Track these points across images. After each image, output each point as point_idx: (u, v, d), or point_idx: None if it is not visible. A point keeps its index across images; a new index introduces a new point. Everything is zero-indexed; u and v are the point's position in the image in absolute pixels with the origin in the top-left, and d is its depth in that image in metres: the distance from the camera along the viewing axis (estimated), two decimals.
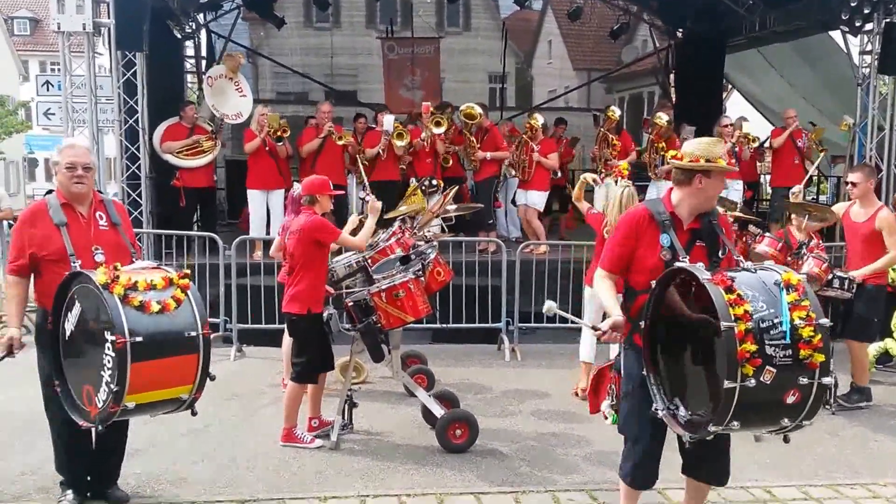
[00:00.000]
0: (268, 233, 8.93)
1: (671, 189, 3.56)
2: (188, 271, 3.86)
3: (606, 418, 3.69)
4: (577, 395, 6.43)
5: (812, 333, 2.96)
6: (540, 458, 5.16)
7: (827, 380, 3.01)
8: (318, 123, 9.42)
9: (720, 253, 3.46)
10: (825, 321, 3.02)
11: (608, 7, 14.61)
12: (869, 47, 9.72)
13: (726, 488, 4.58)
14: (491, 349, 8.04)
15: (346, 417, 5.54)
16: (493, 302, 8.07)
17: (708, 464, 3.58)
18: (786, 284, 3.06)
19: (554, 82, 16.94)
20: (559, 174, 10.53)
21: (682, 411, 3.24)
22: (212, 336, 3.95)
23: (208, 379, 3.75)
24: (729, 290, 3.00)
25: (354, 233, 5.56)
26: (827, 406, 6.06)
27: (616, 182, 6.33)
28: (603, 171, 9.73)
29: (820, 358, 2.97)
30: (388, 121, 9.34)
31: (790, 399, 3.00)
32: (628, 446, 3.60)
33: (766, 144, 10.27)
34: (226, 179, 12.36)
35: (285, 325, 5.61)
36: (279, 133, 9.08)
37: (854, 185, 6.15)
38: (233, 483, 4.73)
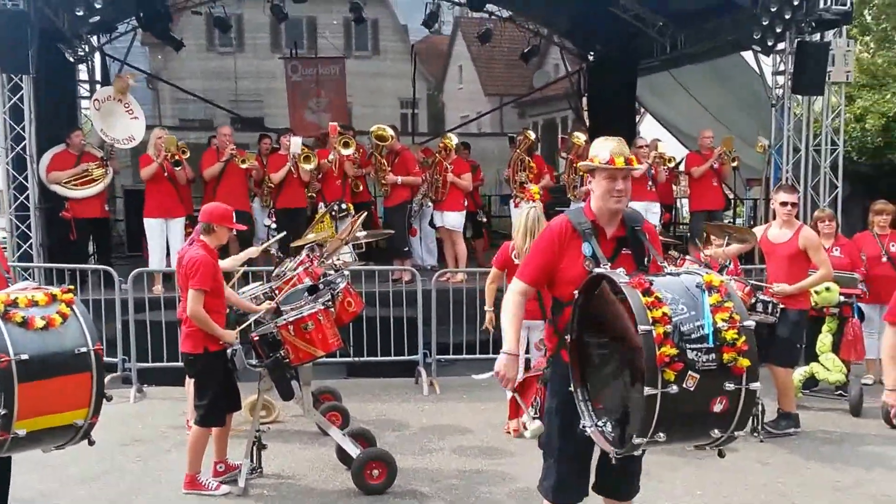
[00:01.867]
0: (168, 264, 8.42)
1: (590, 198, 3.51)
2: (72, 286, 3.63)
3: (526, 430, 3.44)
4: (508, 433, 6.16)
5: (736, 336, 2.86)
6: (463, 498, 4.92)
7: (755, 385, 2.90)
8: (219, 147, 8.95)
9: (646, 260, 3.39)
10: (750, 323, 2.92)
11: (519, 30, 14.66)
12: (782, 67, 9.92)
13: None
14: (408, 383, 7.70)
15: (254, 460, 5.21)
16: (410, 333, 7.73)
17: (620, 482, 3.49)
18: (707, 286, 2.98)
19: (466, 107, 16.94)
20: (467, 202, 10.30)
21: (608, 427, 3.11)
22: (109, 377, 3.57)
23: (104, 401, 3.50)
24: (646, 292, 2.90)
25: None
26: (755, 433, 5.98)
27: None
28: (519, 195, 9.60)
29: (745, 362, 2.86)
30: (294, 143, 8.94)
31: (717, 407, 2.88)
32: (549, 463, 3.49)
33: (682, 168, 10.36)
34: (125, 210, 11.83)
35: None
36: (177, 156, 8.51)
37: (794, 205, 6.15)
38: None
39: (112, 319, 7.42)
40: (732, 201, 12.20)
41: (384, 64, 15.86)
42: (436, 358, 7.68)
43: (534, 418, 3.52)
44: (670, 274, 3.10)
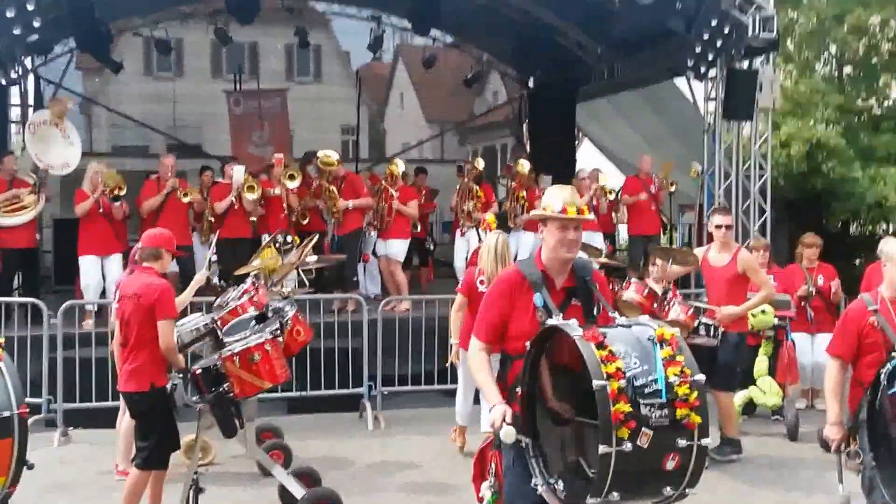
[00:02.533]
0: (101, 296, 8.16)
1: (541, 248, 3.44)
2: (2, 340, 3.46)
3: (482, 501, 3.40)
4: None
5: (688, 391, 2.83)
6: None
7: (706, 441, 2.87)
8: (161, 178, 8.69)
9: (595, 311, 3.34)
10: (700, 377, 2.89)
11: (461, 56, 14.76)
12: (713, 94, 10.25)
13: None
14: (352, 417, 7.51)
15: None
16: (354, 365, 7.56)
17: None
18: (659, 339, 2.93)
19: (407, 134, 16.96)
20: (418, 227, 10.28)
21: (560, 485, 3.02)
22: (32, 420, 3.37)
23: (25, 468, 3.33)
24: (601, 346, 2.84)
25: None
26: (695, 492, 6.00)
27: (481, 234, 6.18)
28: (465, 224, 9.60)
29: (697, 419, 2.83)
30: (237, 171, 8.73)
31: (670, 465, 2.82)
32: None
33: (619, 195, 10.57)
34: (53, 240, 11.29)
35: (121, 405, 5.00)
36: (116, 192, 8.24)
37: (728, 227, 6.23)
38: None
39: (38, 357, 7.04)
40: (668, 227, 12.50)
41: (327, 90, 15.78)
42: (381, 390, 7.53)
43: (490, 488, 3.41)
44: (622, 325, 3.06)
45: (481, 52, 14.56)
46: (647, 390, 2.79)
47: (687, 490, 2.89)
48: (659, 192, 10.18)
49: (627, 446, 2.70)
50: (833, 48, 16.18)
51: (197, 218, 9.08)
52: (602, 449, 2.69)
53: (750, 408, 7.26)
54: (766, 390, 6.96)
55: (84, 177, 8.39)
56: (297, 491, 4.83)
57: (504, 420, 3.02)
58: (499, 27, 12.49)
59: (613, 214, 10.66)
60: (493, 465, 3.41)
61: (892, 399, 3.58)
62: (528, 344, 3.14)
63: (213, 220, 8.96)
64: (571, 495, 2.96)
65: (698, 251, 6.63)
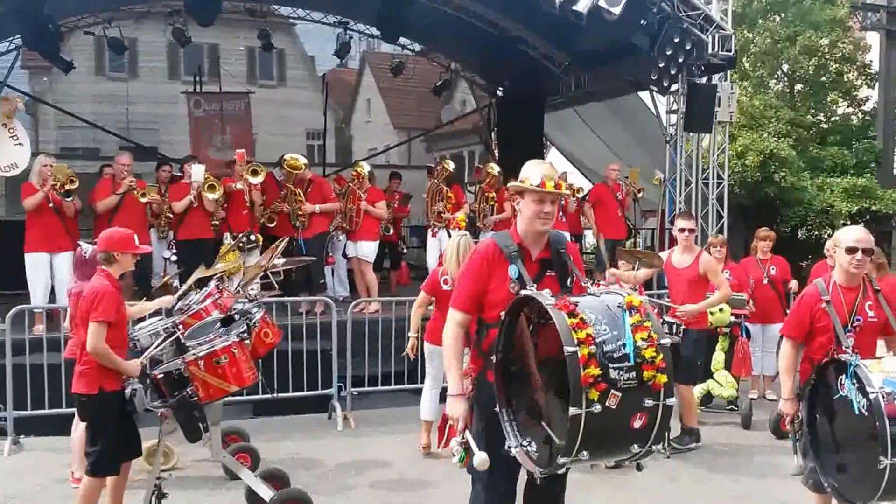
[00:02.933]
0: (53, 301, 7.80)
1: (516, 220, 3.55)
2: None
3: (454, 455, 3.40)
4: (422, 451, 6.22)
5: (654, 354, 2.94)
6: None
7: (671, 400, 2.98)
8: (116, 176, 8.39)
9: (569, 282, 3.43)
10: (666, 341, 3.01)
11: (430, 64, 14.77)
12: (675, 106, 10.59)
13: None
14: (321, 418, 7.38)
15: None
16: (323, 366, 7.43)
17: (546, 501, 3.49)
18: (628, 306, 3.04)
19: (374, 139, 16.87)
20: (391, 230, 10.20)
21: (533, 447, 3.11)
22: None
23: None
24: (572, 314, 2.94)
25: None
26: (662, 450, 6.09)
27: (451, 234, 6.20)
28: (436, 224, 9.57)
29: (663, 378, 2.94)
30: (196, 171, 8.50)
31: (637, 423, 2.94)
32: (477, 488, 3.44)
33: (587, 199, 10.71)
34: None
35: (75, 409, 4.74)
36: (67, 187, 7.92)
37: (691, 231, 6.48)
38: None
39: None
40: (632, 231, 12.72)
41: (290, 93, 15.59)
42: (351, 391, 7.42)
43: (461, 444, 3.39)
44: (592, 295, 3.15)
45: (449, 61, 14.60)
46: (615, 355, 2.90)
47: (653, 447, 2.99)
48: (626, 198, 10.41)
49: (597, 408, 2.81)
50: (785, 67, 16.78)
51: (155, 215, 8.82)
52: (572, 411, 2.78)
53: (706, 399, 7.56)
54: (722, 383, 7.32)
55: (32, 169, 8.00)
56: (266, 493, 4.69)
57: (463, 427, 3.22)
58: (467, 37, 12.57)
59: (582, 219, 10.78)
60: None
61: (834, 384, 3.80)
62: (502, 314, 3.23)
63: (171, 216, 8.71)
64: (544, 456, 3.05)
65: (663, 254, 6.86)
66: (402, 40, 13.78)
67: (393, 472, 5.89)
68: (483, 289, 3.40)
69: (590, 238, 10.83)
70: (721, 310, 6.82)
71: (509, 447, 3.17)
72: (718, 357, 7.34)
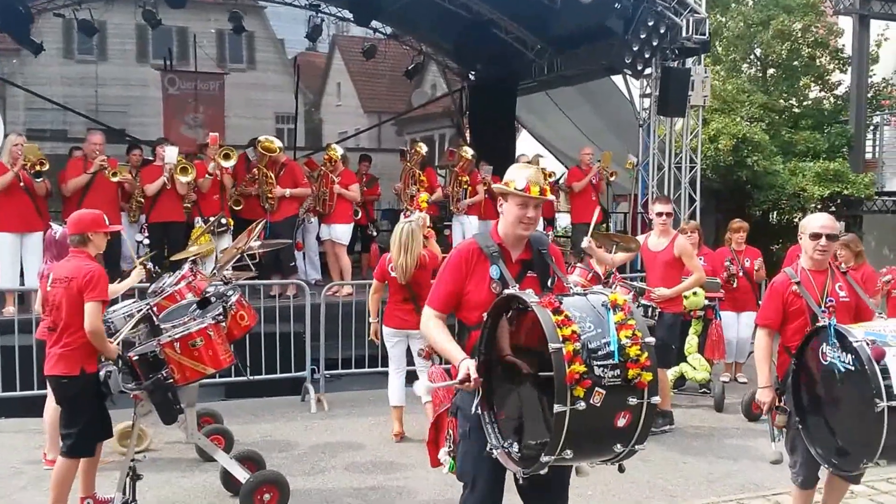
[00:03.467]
0: (22, 283, 7.70)
1: (497, 221, 3.49)
2: None
3: (444, 466, 3.39)
4: (395, 439, 6.24)
5: (639, 352, 2.91)
6: None
7: (655, 399, 2.95)
8: (87, 156, 8.28)
9: (550, 283, 3.39)
10: (651, 339, 2.98)
11: (401, 47, 14.69)
12: (648, 91, 10.62)
13: None
14: (294, 401, 7.41)
15: (127, 493, 4.69)
16: (296, 349, 7.46)
17: (549, 499, 3.42)
18: (612, 305, 3.02)
19: (344, 123, 16.75)
20: (359, 214, 10.19)
21: (515, 448, 3.07)
22: None
23: None
24: (556, 311, 2.91)
25: None
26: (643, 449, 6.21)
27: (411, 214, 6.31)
28: (409, 207, 9.56)
29: (648, 377, 2.91)
30: (170, 153, 8.41)
31: (621, 422, 2.90)
32: (466, 492, 3.35)
33: (562, 182, 10.75)
34: None
35: (48, 391, 4.75)
36: (37, 167, 7.81)
37: (668, 215, 6.54)
38: None
39: None
40: (605, 215, 12.81)
41: (262, 77, 15.42)
42: (324, 374, 7.45)
43: (449, 454, 3.40)
44: (577, 294, 3.12)
45: (421, 45, 14.50)
46: (600, 352, 2.87)
47: (636, 446, 2.97)
48: (600, 182, 10.43)
49: (581, 405, 2.76)
50: (758, 51, 16.90)
51: (125, 198, 8.72)
52: (557, 408, 2.74)
53: (679, 382, 7.67)
54: (695, 366, 7.42)
55: (3, 148, 7.85)
56: (241, 475, 4.71)
57: (473, 373, 3.06)
58: (440, 21, 12.49)
59: (554, 202, 10.84)
60: (449, 431, 3.42)
61: (815, 360, 3.80)
62: (484, 315, 3.17)
63: (142, 200, 8.62)
64: (526, 457, 3.01)
65: (640, 238, 6.91)
66: (374, 23, 13.70)
67: (367, 455, 5.92)
68: (460, 289, 3.35)
69: (562, 221, 10.88)
70: (695, 293, 6.90)
71: (491, 449, 3.15)
72: (692, 340, 7.43)
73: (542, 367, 2.87)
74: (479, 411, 3.18)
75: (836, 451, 3.72)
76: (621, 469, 3.12)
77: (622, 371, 2.87)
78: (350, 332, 7.65)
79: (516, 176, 3.35)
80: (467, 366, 3.08)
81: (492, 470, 3.26)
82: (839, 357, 3.62)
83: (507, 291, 3.15)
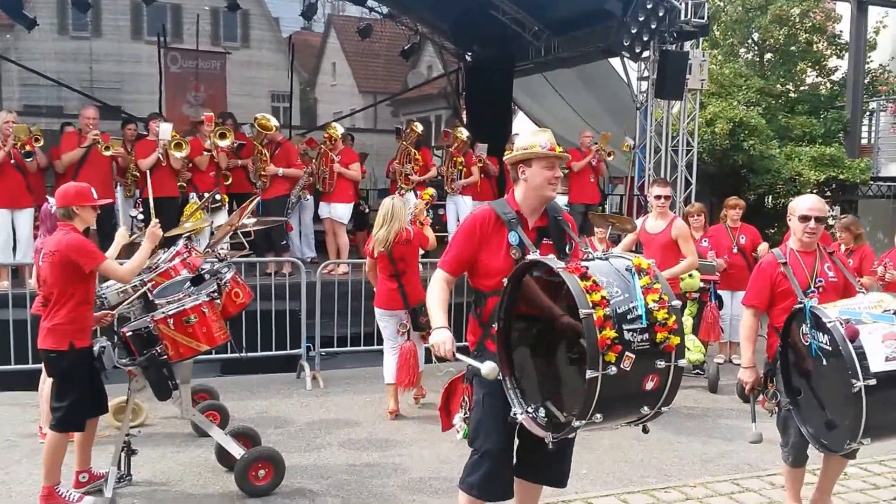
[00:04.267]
0: (14, 258, 7.72)
1: (513, 188, 3.49)
2: None
3: (458, 432, 3.41)
4: (390, 416, 6.28)
5: (666, 316, 2.94)
6: (355, 493, 4.76)
7: (682, 362, 2.99)
8: (81, 130, 8.24)
9: (567, 249, 3.41)
10: (677, 303, 3.01)
11: (397, 27, 14.61)
12: (646, 74, 10.60)
13: (547, 503, 4.49)
14: (290, 378, 7.43)
15: (122, 468, 4.78)
16: (292, 327, 7.48)
17: (551, 467, 3.50)
18: (637, 269, 3.03)
19: (340, 103, 16.68)
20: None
21: (541, 412, 3.09)
22: None
23: None
24: (584, 277, 2.91)
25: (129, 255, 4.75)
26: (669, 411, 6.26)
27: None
28: (403, 186, 9.56)
29: (676, 340, 2.95)
30: (163, 129, 8.36)
31: (649, 385, 2.95)
32: (476, 458, 3.38)
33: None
34: None
35: (43, 365, 4.70)
36: (28, 147, 7.75)
37: (667, 198, 6.54)
38: None
39: None
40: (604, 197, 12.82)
41: (257, 55, 15.33)
42: (319, 351, 7.46)
43: (465, 420, 3.41)
44: (599, 259, 3.12)
45: (417, 25, 14.41)
46: (629, 316, 2.89)
47: (662, 408, 3.02)
48: (599, 163, 10.41)
49: (612, 370, 2.80)
50: (756, 36, 16.88)
51: (121, 172, 8.70)
52: (589, 373, 2.77)
53: None
54: (690, 347, 7.38)
55: None
56: (236, 451, 4.72)
57: (446, 346, 3.15)
58: (436, 0, 12.38)
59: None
60: (465, 397, 3.44)
61: (799, 341, 3.84)
62: (504, 280, 3.19)
63: (137, 175, 8.59)
64: (553, 422, 3.04)
65: (638, 221, 6.91)
66: (370, 3, 13.60)
67: (362, 432, 5.94)
68: (473, 254, 3.36)
69: (562, 202, 10.91)
70: (691, 276, 6.91)
71: (514, 414, 3.16)
72: (687, 322, 7.38)
73: (568, 332, 2.91)
74: (501, 377, 3.18)
75: (826, 430, 3.76)
76: (645, 430, 3.18)
77: (650, 335, 2.90)
78: (346, 310, 7.66)
79: (537, 140, 3.38)
80: (445, 338, 3.16)
81: (505, 439, 3.31)
82: (817, 338, 3.67)
83: (529, 257, 3.16)
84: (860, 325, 3.52)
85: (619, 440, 5.71)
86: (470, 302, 3.53)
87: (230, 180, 9.14)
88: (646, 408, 3.00)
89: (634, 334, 2.88)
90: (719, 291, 7.80)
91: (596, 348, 2.78)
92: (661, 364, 2.93)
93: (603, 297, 2.86)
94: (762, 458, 5.44)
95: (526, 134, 3.49)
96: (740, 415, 6.56)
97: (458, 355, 3.20)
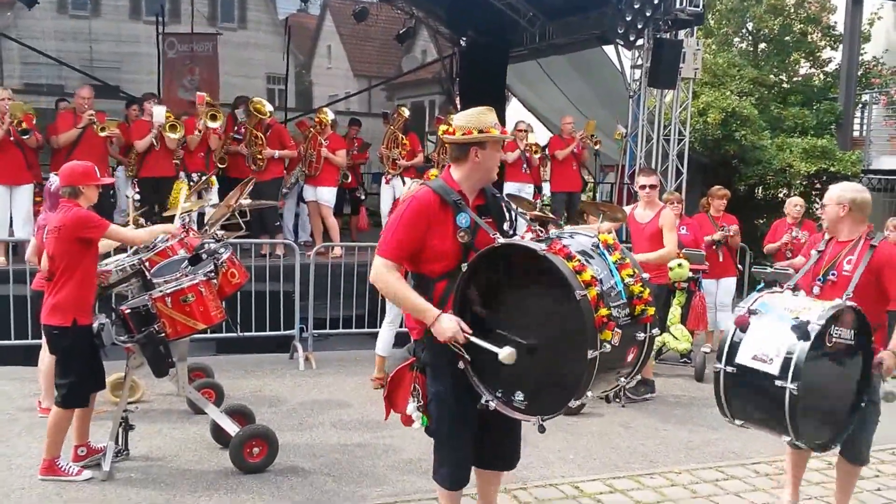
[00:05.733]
0: (11, 234, 7.80)
1: (448, 168, 3.37)
2: None
3: (414, 422, 3.35)
4: (374, 384, 6.48)
5: (641, 289, 3.03)
6: (346, 472, 4.86)
7: (656, 331, 3.11)
8: (77, 110, 8.28)
9: (506, 226, 3.33)
10: (646, 275, 3.12)
11: (392, 11, 14.59)
12: (640, 62, 10.63)
13: (535, 486, 4.68)
14: (283, 358, 7.55)
15: (120, 443, 4.87)
16: (286, 308, 7.58)
17: (506, 452, 3.53)
18: (604, 246, 3.09)
19: (335, 86, 16.67)
20: (349, 177, 10.24)
21: (518, 396, 3.06)
22: None
23: None
24: (569, 257, 2.93)
25: None
26: (617, 399, 6.39)
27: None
28: (390, 171, 9.63)
29: (651, 311, 3.06)
30: (157, 112, 8.41)
31: (630, 357, 3.05)
32: (446, 450, 3.38)
33: (546, 152, 10.79)
34: None
35: (43, 340, 4.81)
36: (25, 124, 7.79)
37: (653, 187, 6.55)
38: None
39: None
40: (590, 185, 12.88)
41: (253, 37, 15.29)
42: (312, 332, 7.57)
43: (419, 409, 3.32)
44: (566, 236, 3.13)
45: (412, 9, 14.41)
46: (612, 293, 2.96)
47: (634, 377, 3.15)
48: (581, 150, 10.42)
49: (607, 347, 2.86)
50: (750, 25, 16.92)
51: (122, 152, 8.75)
52: (590, 354, 2.81)
53: (658, 351, 7.78)
54: (678, 336, 7.50)
55: None
56: (231, 428, 4.81)
57: (459, 330, 3.03)
58: None
59: (542, 170, 10.89)
60: (416, 386, 3.33)
61: None
62: (463, 265, 3.12)
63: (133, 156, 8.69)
64: (535, 403, 3.05)
65: (627, 208, 6.96)
66: None
67: (354, 413, 6.04)
68: (420, 238, 3.18)
69: (547, 190, 10.96)
70: (680, 265, 6.95)
71: (486, 402, 3.12)
72: (675, 311, 7.47)
73: (541, 313, 2.94)
74: (462, 367, 3.16)
75: None
76: (541, 430, 3.09)
77: (630, 309, 3.00)
78: (338, 292, 7.76)
79: (490, 122, 3.24)
80: (454, 323, 3.05)
81: (471, 428, 3.30)
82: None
83: (503, 240, 3.07)
84: (753, 317, 3.64)
85: (606, 427, 5.83)
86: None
87: (227, 164, 9.21)
88: (623, 378, 3.10)
89: (619, 310, 2.94)
90: (703, 280, 7.88)
91: (593, 328, 2.82)
92: (640, 336, 3.04)
93: (592, 277, 2.88)
94: (747, 446, 5.55)
95: (474, 114, 3.28)
96: None
97: (473, 338, 3.07)
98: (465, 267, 3.12)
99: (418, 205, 3.21)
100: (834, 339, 3.51)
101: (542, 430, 3.08)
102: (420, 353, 3.32)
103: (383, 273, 3.21)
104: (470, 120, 3.26)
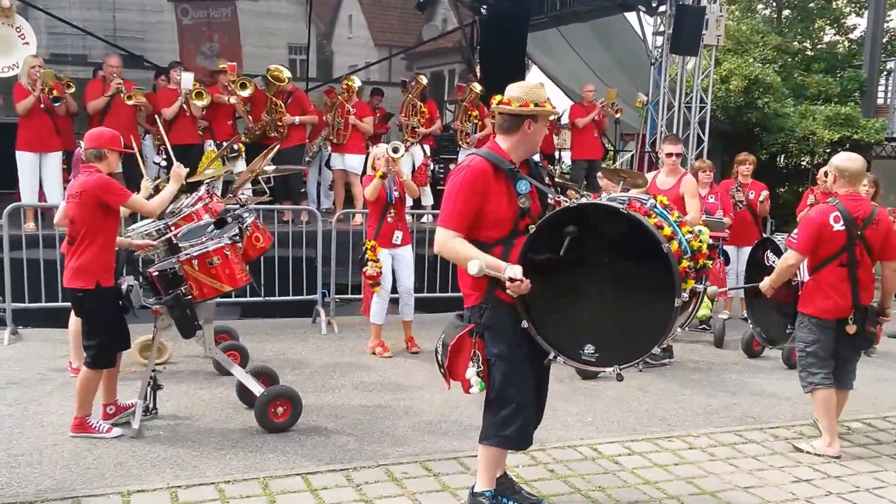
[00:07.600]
0: (41, 200, 7.93)
1: (493, 138, 3.47)
2: None
3: (472, 387, 3.40)
4: (373, 353, 6.68)
5: (699, 244, 3.21)
6: (368, 432, 4.95)
7: (708, 283, 3.34)
8: (105, 78, 8.39)
9: (548, 195, 3.43)
10: (700, 229, 3.36)
11: None
12: (662, 28, 10.53)
13: (554, 448, 4.73)
14: (306, 322, 7.69)
15: (148, 400, 4.98)
16: (308, 274, 7.69)
17: (539, 413, 3.68)
18: (662, 206, 3.25)
19: (355, 56, 16.61)
20: (370, 147, 10.26)
21: (589, 349, 3.23)
22: None
23: None
24: (648, 215, 3.13)
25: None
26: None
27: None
28: (409, 139, 9.65)
29: (710, 263, 3.27)
30: (185, 78, 8.50)
31: (691, 307, 3.29)
32: (510, 410, 3.41)
33: (565, 120, 10.75)
34: None
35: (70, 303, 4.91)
36: (55, 91, 7.89)
37: (679, 155, 6.60)
38: (12, 483, 4.03)
39: None
40: (611, 153, 12.82)
41: (274, 5, 15.24)
42: (334, 298, 7.69)
43: (478, 374, 3.36)
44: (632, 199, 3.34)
45: None
46: (682, 248, 3.16)
47: (685, 326, 3.37)
48: (602, 119, 10.38)
49: (685, 296, 3.08)
50: None
51: (149, 121, 8.85)
52: (676, 302, 3.03)
53: None
54: None
55: (21, 70, 7.94)
56: (256, 389, 4.90)
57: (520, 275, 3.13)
58: None
59: (555, 138, 10.87)
60: (475, 351, 3.40)
61: None
62: (531, 227, 3.26)
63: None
64: (607, 354, 3.24)
65: (649, 175, 6.97)
66: None
67: (375, 376, 6.14)
68: (479, 206, 3.27)
69: (567, 158, 10.94)
70: (700, 232, 7.00)
71: (553, 357, 3.28)
72: None
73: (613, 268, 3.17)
74: (526, 325, 3.28)
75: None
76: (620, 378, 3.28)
77: (695, 262, 3.19)
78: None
79: (541, 95, 3.37)
80: (515, 269, 3.14)
81: (535, 387, 3.47)
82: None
83: (581, 201, 3.25)
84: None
85: (624, 391, 5.88)
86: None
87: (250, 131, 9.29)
88: (679, 329, 3.29)
89: (689, 262, 3.15)
90: (725, 247, 7.87)
91: (679, 279, 3.04)
92: (699, 287, 3.22)
93: (672, 232, 3.10)
94: (765, 411, 5.59)
95: (530, 88, 3.43)
96: (745, 369, 6.72)
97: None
98: (534, 227, 3.26)
99: (473, 174, 3.29)
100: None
101: (620, 378, 3.25)
102: (479, 319, 3.39)
103: (449, 241, 3.30)
104: (528, 93, 3.37)
